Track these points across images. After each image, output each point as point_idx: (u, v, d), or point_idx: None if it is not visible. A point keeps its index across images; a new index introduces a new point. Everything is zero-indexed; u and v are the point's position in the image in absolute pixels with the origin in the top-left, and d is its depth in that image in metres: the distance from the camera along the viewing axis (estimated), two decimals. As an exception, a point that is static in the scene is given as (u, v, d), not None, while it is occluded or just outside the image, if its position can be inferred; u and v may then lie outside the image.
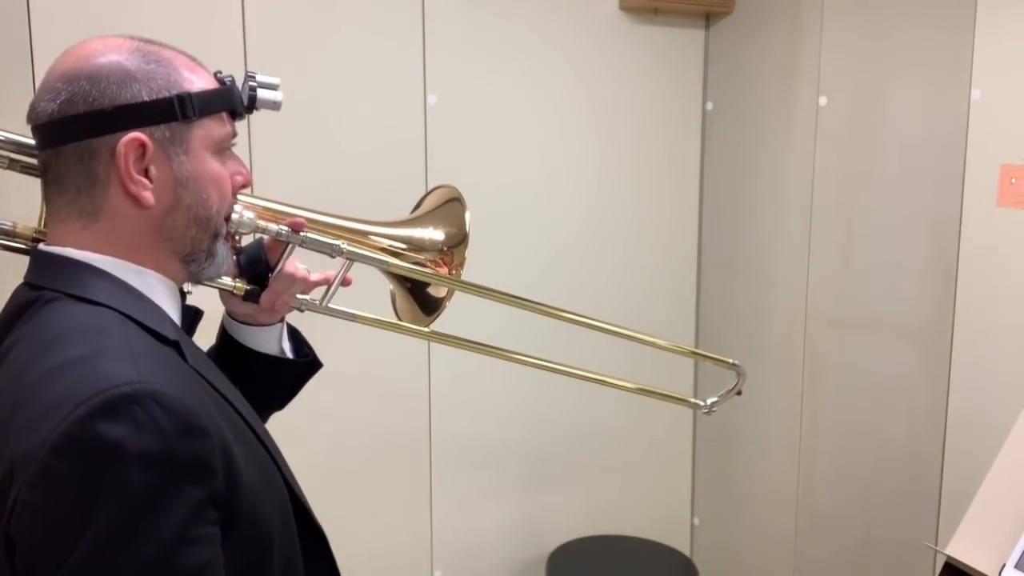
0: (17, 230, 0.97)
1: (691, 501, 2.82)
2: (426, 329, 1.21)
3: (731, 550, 2.71)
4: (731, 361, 1.57)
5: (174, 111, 0.85)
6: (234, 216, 0.96)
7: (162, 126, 0.85)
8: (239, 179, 0.95)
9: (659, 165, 2.59)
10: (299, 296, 1.10)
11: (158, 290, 0.89)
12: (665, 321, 2.66)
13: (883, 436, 2.21)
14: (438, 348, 2.21)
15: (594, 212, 2.51)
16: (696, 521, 2.82)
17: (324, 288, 1.12)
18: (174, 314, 0.91)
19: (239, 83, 0.94)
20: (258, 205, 1.03)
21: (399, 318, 1.24)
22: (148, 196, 0.85)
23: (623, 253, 2.57)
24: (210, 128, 0.89)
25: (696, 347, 2.71)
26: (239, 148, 0.97)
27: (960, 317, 2.00)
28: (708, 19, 2.60)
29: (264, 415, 1.12)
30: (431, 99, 2.21)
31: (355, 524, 2.25)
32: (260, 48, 1.98)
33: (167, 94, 0.85)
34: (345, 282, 1.12)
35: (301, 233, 1.04)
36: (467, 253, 1.18)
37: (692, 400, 1.66)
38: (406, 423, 2.31)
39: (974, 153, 1.95)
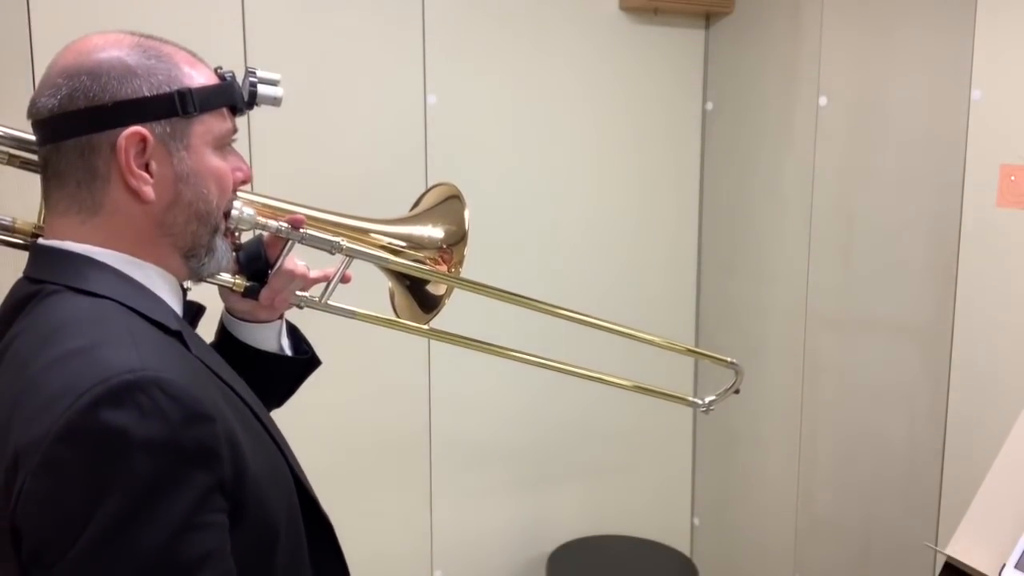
0: (16, 225, 0.96)
1: (691, 501, 2.82)
2: (425, 326, 1.21)
3: (731, 550, 2.71)
4: (729, 359, 1.57)
5: (175, 106, 0.85)
6: (234, 212, 0.96)
7: (163, 121, 0.85)
8: (239, 175, 0.95)
9: (659, 165, 2.59)
10: (298, 293, 1.10)
11: (159, 283, 0.89)
12: (665, 320, 2.66)
13: (883, 436, 2.21)
14: (438, 347, 2.21)
15: (594, 211, 2.51)
16: (696, 521, 2.82)
17: (323, 285, 1.12)
18: (176, 307, 0.91)
19: (240, 79, 0.94)
20: (258, 202, 1.03)
21: (398, 316, 1.23)
22: (148, 191, 0.85)
23: (623, 252, 2.57)
24: (210, 124, 0.89)
25: (696, 346, 2.71)
26: (239, 145, 0.97)
27: (960, 317, 2.00)
28: (708, 19, 2.60)
29: (263, 412, 1.12)
30: (431, 99, 2.21)
31: (355, 524, 2.23)
32: (260, 46, 1.98)
33: (168, 89, 0.85)
34: (344, 279, 1.12)
35: (301, 230, 1.04)
36: (466, 251, 1.18)
37: (690, 398, 1.66)
38: (406, 422, 2.31)
39: (974, 153, 1.95)
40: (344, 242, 1.07)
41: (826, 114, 2.29)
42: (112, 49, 0.84)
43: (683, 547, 2.75)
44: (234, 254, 1.04)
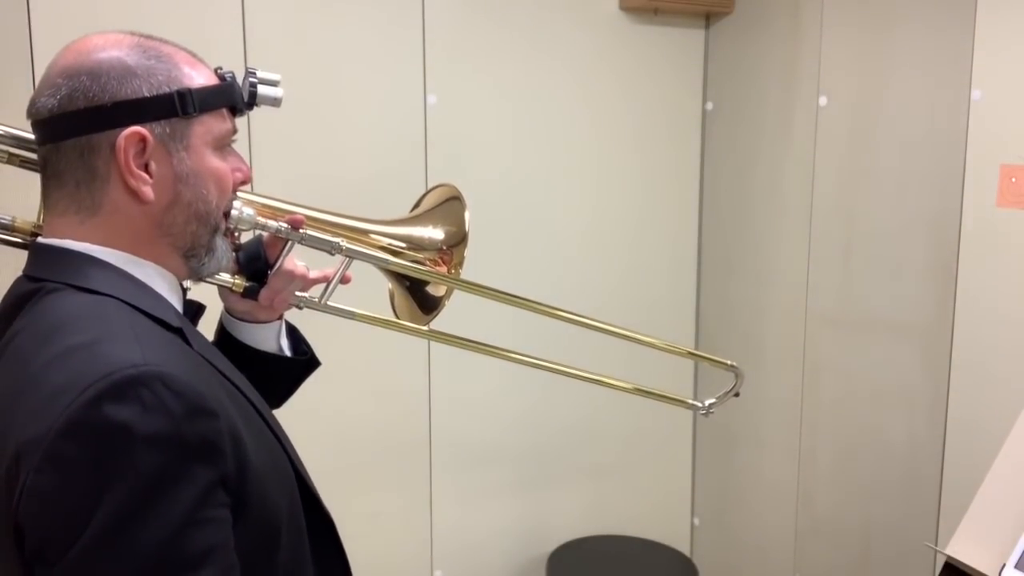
0: (16, 224, 0.96)
1: (691, 501, 2.82)
2: (425, 328, 1.20)
3: (731, 550, 2.71)
4: (729, 363, 1.56)
5: (174, 107, 0.85)
6: (234, 212, 0.95)
7: (162, 122, 0.85)
8: (239, 175, 0.95)
9: (659, 165, 2.59)
10: (298, 293, 1.10)
11: (158, 282, 0.89)
12: (665, 321, 2.66)
13: (883, 436, 2.21)
14: (438, 348, 2.21)
15: (594, 212, 2.51)
16: (696, 521, 2.82)
17: (323, 286, 1.12)
18: (176, 305, 0.91)
19: (239, 79, 0.94)
20: (258, 202, 1.02)
21: (398, 317, 1.23)
22: (148, 191, 0.85)
23: (623, 252, 2.57)
24: (210, 124, 0.89)
25: (696, 347, 2.71)
26: (239, 145, 0.97)
27: (960, 317, 2.00)
28: (708, 19, 2.60)
29: (263, 412, 1.12)
30: (431, 99, 2.21)
31: (355, 524, 2.23)
32: (260, 47, 1.98)
33: (167, 90, 0.85)
34: (344, 280, 1.12)
35: (300, 230, 1.04)
36: (466, 252, 1.18)
37: (690, 401, 1.65)
38: (406, 423, 2.31)
39: (974, 153, 1.95)
40: (344, 243, 1.07)
41: (826, 114, 2.29)
42: (112, 49, 0.84)
43: (683, 547, 2.75)
44: (234, 254, 1.04)
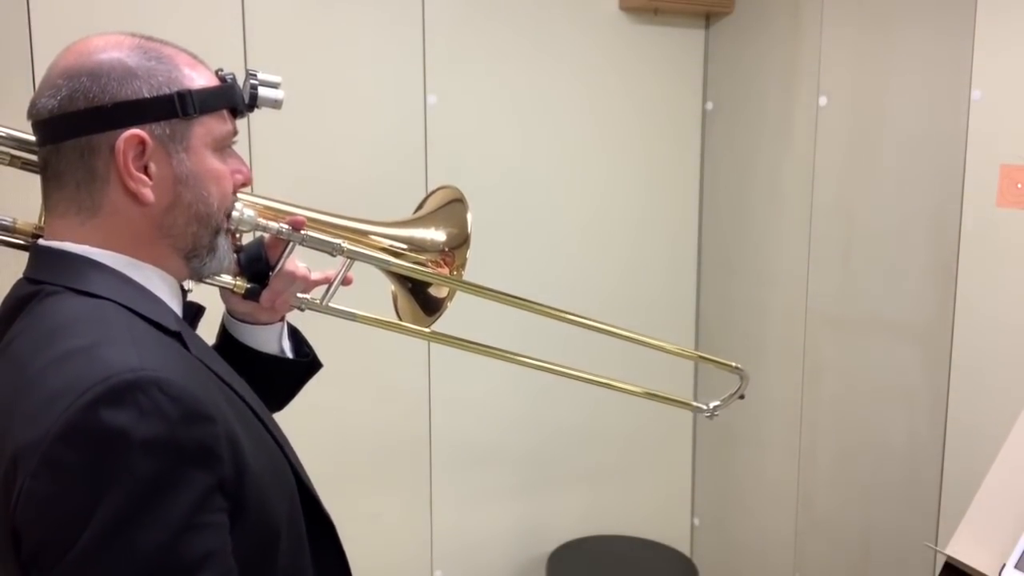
0: (17, 226, 0.96)
1: (691, 501, 2.82)
2: (427, 330, 1.20)
3: (731, 550, 2.71)
4: (734, 365, 1.56)
5: (175, 108, 0.85)
6: (234, 214, 0.95)
7: (162, 123, 0.85)
8: (239, 177, 0.94)
9: (659, 165, 2.59)
10: (299, 295, 1.10)
11: (158, 285, 0.89)
12: (665, 321, 2.66)
13: (883, 436, 2.21)
14: (439, 349, 2.21)
15: (594, 212, 2.51)
16: (696, 521, 2.82)
17: (325, 287, 1.12)
18: (176, 308, 0.91)
19: (240, 81, 0.94)
20: (259, 203, 1.02)
21: (400, 318, 1.23)
22: (147, 193, 0.85)
23: (623, 253, 2.57)
24: (211, 126, 0.89)
25: (696, 347, 2.71)
26: (239, 147, 0.97)
27: (960, 317, 2.00)
28: (708, 19, 2.60)
29: (264, 414, 1.12)
30: (431, 99, 2.21)
31: (355, 524, 2.23)
32: (260, 47, 1.97)
33: (168, 91, 0.85)
34: (346, 281, 1.12)
35: (302, 231, 1.04)
36: (468, 254, 1.18)
37: (695, 404, 1.65)
38: (406, 424, 2.30)
39: (974, 153, 1.95)
40: (345, 244, 1.07)
41: (826, 114, 2.28)
42: (112, 50, 0.84)
43: (683, 547, 2.75)
44: (235, 256, 1.03)
